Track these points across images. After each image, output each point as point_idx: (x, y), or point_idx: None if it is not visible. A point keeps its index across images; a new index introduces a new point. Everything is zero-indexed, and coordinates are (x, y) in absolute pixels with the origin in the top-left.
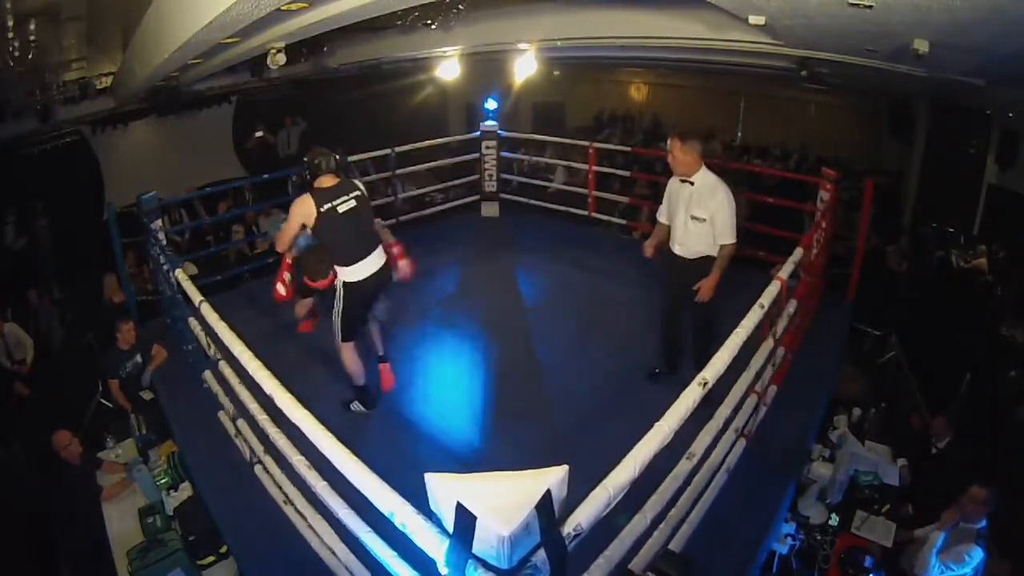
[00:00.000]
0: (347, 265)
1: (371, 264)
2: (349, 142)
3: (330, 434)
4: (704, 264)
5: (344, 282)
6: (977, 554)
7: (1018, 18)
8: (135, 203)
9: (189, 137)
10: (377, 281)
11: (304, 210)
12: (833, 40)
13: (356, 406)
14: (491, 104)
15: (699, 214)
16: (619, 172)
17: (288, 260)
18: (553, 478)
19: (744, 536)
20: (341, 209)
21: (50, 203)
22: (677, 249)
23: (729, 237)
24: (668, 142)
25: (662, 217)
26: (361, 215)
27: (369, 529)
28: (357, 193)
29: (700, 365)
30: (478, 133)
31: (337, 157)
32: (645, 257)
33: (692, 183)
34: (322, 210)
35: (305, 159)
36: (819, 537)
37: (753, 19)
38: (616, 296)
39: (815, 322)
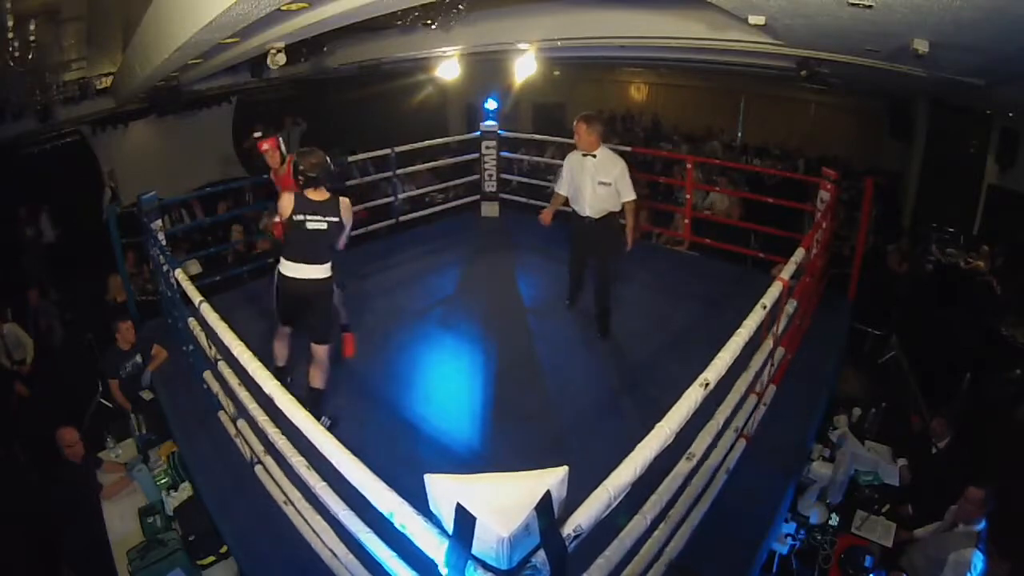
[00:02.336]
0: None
1: (302, 270)
2: (349, 142)
3: (330, 435)
4: (609, 219)
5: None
6: (979, 558)
7: (1018, 18)
8: (135, 203)
9: (189, 137)
10: (300, 286)
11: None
12: (833, 40)
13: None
14: (491, 104)
15: (605, 179)
16: None
17: None
18: (553, 479)
19: (744, 536)
20: (311, 226)
21: (50, 203)
22: (587, 211)
23: (632, 194)
24: (575, 124)
25: (561, 189)
26: (326, 236)
27: (369, 530)
28: (334, 219)
29: (601, 320)
30: (478, 133)
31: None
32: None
33: (595, 156)
34: (295, 219)
35: (301, 163)
36: (819, 537)
37: (753, 19)
38: (616, 296)
39: (815, 322)
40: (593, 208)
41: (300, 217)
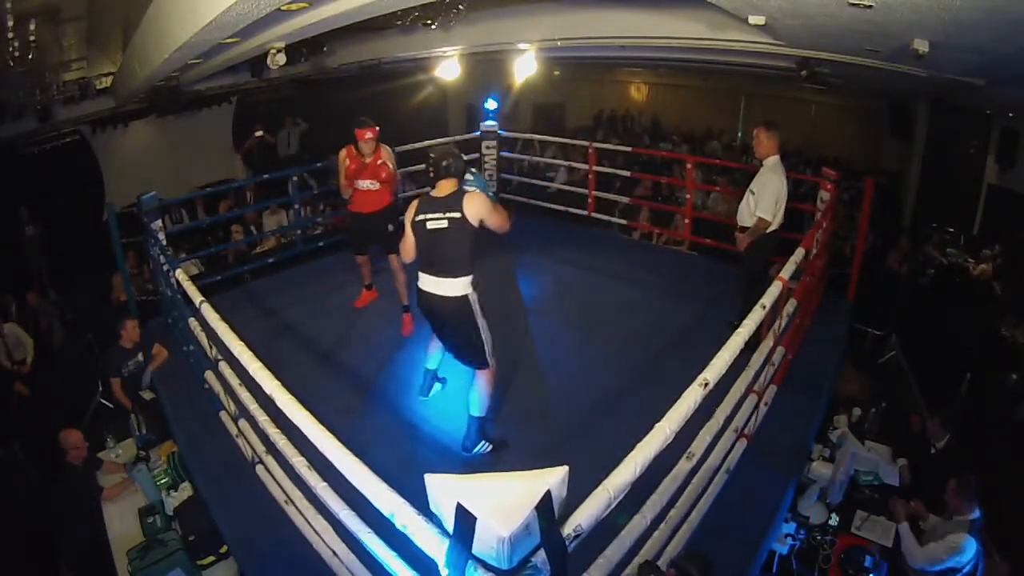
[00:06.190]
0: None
1: (430, 283)
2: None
3: (331, 435)
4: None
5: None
6: (970, 545)
7: (1018, 18)
8: (135, 203)
9: (189, 137)
10: (429, 303)
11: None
12: (833, 40)
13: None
14: (491, 104)
15: (753, 188)
16: (620, 172)
17: None
18: (553, 479)
19: (744, 536)
20: (430, 225)
21: (50, 203)
22: (741, 221)
23: (761, 211)
24: (755, 132)
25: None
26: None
27: (369, 530)
28: (455, 216)
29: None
30: (478, 133)
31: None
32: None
33: (762, 164)
34: (416, 219)
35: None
36: (819, 537)
37: (753, 19)
38: (616, 296)
39: (815, 322)
40: (741, 218)
41: (420, 217)
